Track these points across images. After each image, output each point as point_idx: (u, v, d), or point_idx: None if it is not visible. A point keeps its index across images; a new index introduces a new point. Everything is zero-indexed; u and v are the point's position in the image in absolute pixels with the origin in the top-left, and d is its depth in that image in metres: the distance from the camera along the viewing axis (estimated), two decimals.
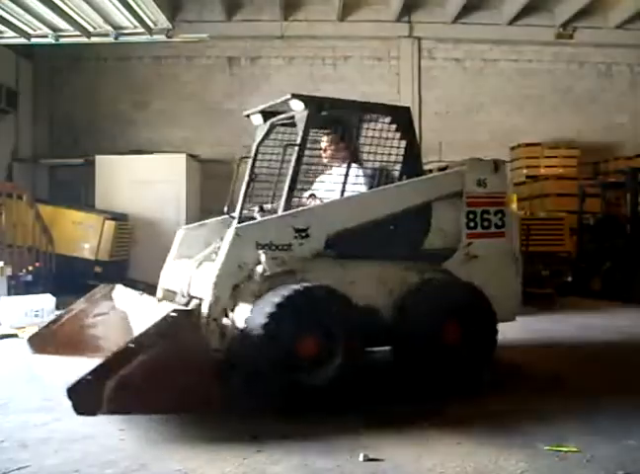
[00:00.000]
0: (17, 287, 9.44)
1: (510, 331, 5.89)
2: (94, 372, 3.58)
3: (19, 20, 11.74)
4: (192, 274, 5.22)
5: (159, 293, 5.75)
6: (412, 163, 5.55)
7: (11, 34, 12.17)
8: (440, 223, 5.45)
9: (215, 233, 5.64)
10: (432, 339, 4.86)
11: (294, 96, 5.11)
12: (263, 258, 4.67)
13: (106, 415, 3.81)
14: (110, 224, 11.94)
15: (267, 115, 5.78)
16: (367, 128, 5.55)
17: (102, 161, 13.31)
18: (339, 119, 5.65)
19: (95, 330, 5.08)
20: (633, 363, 6.21)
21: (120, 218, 12.30)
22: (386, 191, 5.34)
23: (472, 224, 5.54)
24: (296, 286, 4.52)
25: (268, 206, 5.54)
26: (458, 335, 4.99)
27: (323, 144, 5.79)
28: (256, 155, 5.85)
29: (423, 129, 14.45)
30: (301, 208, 5.06)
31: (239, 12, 14.57)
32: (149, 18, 12.57)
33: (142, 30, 12.65)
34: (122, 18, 12.15)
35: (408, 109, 5.66)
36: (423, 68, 14.98)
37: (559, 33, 14.66)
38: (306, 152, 5.25)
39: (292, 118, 5.36)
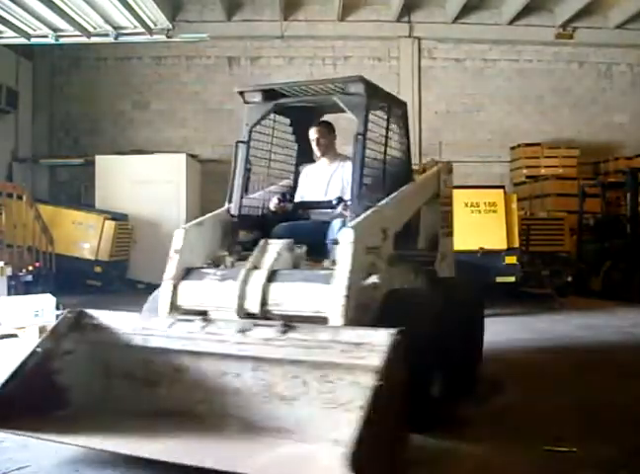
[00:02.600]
0: (17, 287, 9.43)
1: (510, 331, 5.90)
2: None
3: (19, 20, 11.74)
4: (263, 287, 4.04)
5: (163, 311, 4.27)
6: (407, 159, 5.40)
7: (11, 34, 12.17)
8: (425, 224, 5.57)
9: (212, 233, 4.82)
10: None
11: (361, 79, 4.53)
12: (376, 262, 4.09)
13: None
14: (110, 224, 11.94)
15: (268, 94, 4.97)
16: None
17: (102, 161, 13.31)
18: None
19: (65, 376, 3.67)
20: (633, 363, 6.21)
21: (120, 218, 12.30)
22: (416, 188, 5.33)
23: (443, 224, 5.71)
24: (427, 300, 4.26)
25: (348, 201, 4.68)
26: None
27: (314, 136, 5.18)
28: (249, 140, 5.03)
29: (423, 129, 14.50)
30: (381, 207, 4.43)
31: (239, 12, 14.58)
32: (149, 18, 12.57)
33: (142, 30, 12.65)
34: (122, 18, 12.15)
35: (405, 103, 5.57)
36: (423, 68, 14.98)
37: (559, 33, 14.66)
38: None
39: (316, 102, 4.99)
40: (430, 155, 13.27)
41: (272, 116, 5.13)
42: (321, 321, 3.75)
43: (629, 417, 4.39)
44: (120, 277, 12.42)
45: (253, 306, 4.00)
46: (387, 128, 4.83)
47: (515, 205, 9.92)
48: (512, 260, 9.51)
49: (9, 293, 8.93)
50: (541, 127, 14.79)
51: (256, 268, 4.18)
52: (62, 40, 12.70)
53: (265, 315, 3.97)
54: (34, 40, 12.66)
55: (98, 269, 11.73)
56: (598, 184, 12.92)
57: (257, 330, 3.46)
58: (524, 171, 14.29)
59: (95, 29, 12.58)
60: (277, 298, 3.98)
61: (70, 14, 11.61)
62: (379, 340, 2.95)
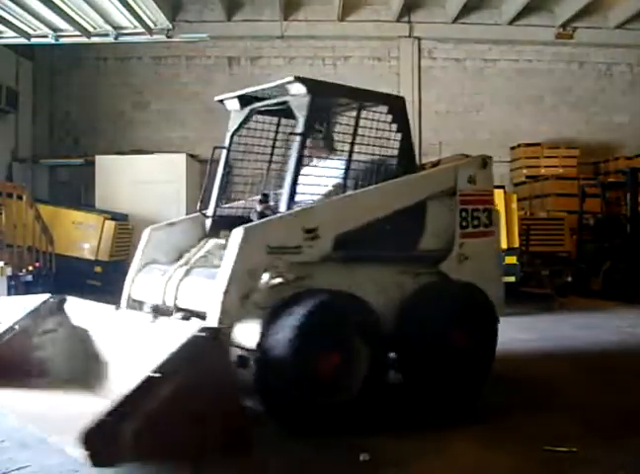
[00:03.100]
0: (17, 287, 9.42)
1: (510, 331, 5.89)
2: (111, 413, 2.81)
3: (19, 20, 11.74)
4: (178, 282, 4.49)
5: (124, 304, 4.97)
6: (408, 156, 5.19)
7: (11, 34, 12.16)
8: (434, 223, 5.12)
9: (186, 234, 5.11)
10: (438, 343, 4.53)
11: (297, 79, 4.55)
12: (277, 263, 4.14)
13: (128, 463, 3.15)
14: (110, 224, 11.93)
15: (245, 100, 5.14)
16: (365, 118, 5.03)
17: (102, 161, 13.31)
18: (337, 107, 5.17)
19: (42, 351, 4.38)
20: (632, 363, 6.21)
21: (120, 218, 12.29)
22: (390, 187, 4.91)
23: (464, 223, 5.26)
24: (323, 297, 4.12)
25: (271, 202, 4.96)
26: (465, 338, 4.69)
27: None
28: (230, 145, 5.25)
29: (423, 129, 14.48)
30: (309, 206, 4.52)
31: (239, 12, 14.57)
32: (149, 18, 12.56)
33: (142, 30, 12.64)
34: (122, 18, 12.15)
35: (403, 99, 5.34)
36: (423, 68, 14.98)
37: (559, 33, 14.66)
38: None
39: (282, 103, 4.83)
40: (430, 155, 13.27)
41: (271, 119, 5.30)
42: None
43: (629, 417, 4.39)
44: (121, 278, 12.40)
45: (169, 300, 4.50)
46: (356, 125, 4.95)
47: (515, 205, 9.92)
48: (512, 260, 9.51)
49: (9, 293, 8.91)
50: (541, 127, 14.79)
51: (186, 264, 4.66)
52: (62, 40, 12.69)
53: (177, 309, 4.45)
54: (34, 40, 12.65)
55: (98, 269, 11.73)
56: (598, 184, 12.91)
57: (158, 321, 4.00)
58: (524, 171, 14.30)
59: (95, 29, 12.58)
60: (182, 294, 4.44)
61: (70, 14, 11.60)
62: (179, 336, 3.17)
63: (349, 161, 4.88)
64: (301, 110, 4.60)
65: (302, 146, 4.59)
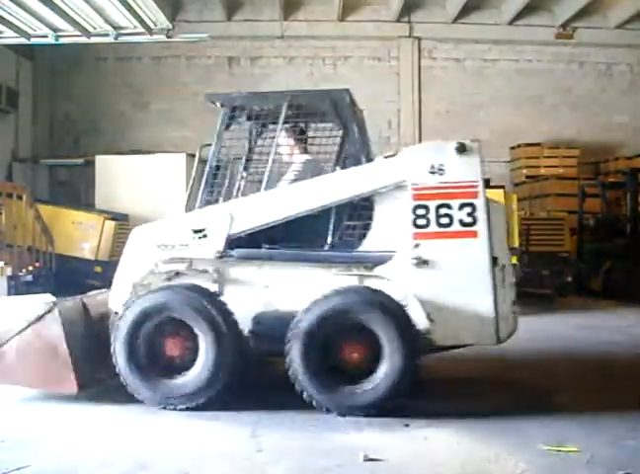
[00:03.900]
0: (17, 287, 9.43)
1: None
2: None
3: (19, 20, 11.72)
4: None
5: None
6: (355, 152, 4.90)
7: (11, 34, 12.14)
8: (383, 221, 4.71)
9: None
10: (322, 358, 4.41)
11: (209, 96, 5.19)
12: (156, 257, 4.85)
13: None
14: (110, 224, 11.93)
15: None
16: (299, 121, 5.12)
17: (102, 161, 13.30)
18: (264, 114, 5.19)
19: None
20: (632, 363, 6.21)
21: (119, 218, 12.29)
22: (303, 186, 4.84)
23: (422, 221, 4.61)
24: (168, 288, 4.69)
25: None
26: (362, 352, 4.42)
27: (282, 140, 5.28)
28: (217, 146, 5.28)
29: (423, 129, 14.50)
30: (200, 209, 4.96)
31: (239, 12, 14.57)
32: (149, 18, 12.54)
33: (142, 30, 12.61)
34: (122, 18, 12.12)
35: (346, 91, 4.99)
36: (423, 68, 14.98)
37: (559, 33, 14.66)
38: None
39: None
40: None
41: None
42: None
43: (629, 417, 4.39)
44: None
45: None
46: (258, 132, 5.28)
47: (515, 205, 9.92)
48: (512, 260, 9.50)
49: (9, 293, 8.92)
50: (541, 127, 14.78)
51: None
52: (62, 40, 12.66)
53: None
54: (34, 40, 12.62)
55: (98, 269, 11.71)
56: (598, 184, 12.91)
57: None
58: (524, 171, 14.30)
59: (95, 29, 12.55)
60: None
61: (70, 14, 11.58)
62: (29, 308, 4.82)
63: (284, 163, 5.09)
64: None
65: (218, 151, 5.07)
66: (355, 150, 4.92)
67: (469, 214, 4.57)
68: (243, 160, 5.42)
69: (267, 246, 4.78)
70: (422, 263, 4.56)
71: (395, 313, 4.39)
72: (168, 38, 13.34)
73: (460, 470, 3.48)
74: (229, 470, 3.49)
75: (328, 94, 5.08)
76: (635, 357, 6.53)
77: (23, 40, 12.48)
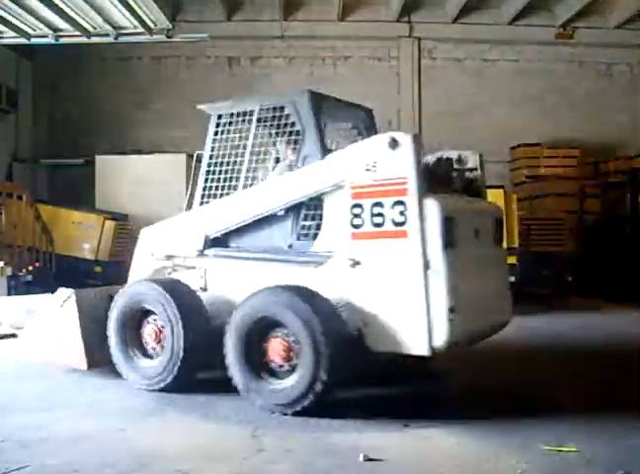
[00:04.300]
0: (17, 287, 9.43)
1: (509, 330, 5.88)
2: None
3: (19, 20, 11.72)
4: None
5: None
6: (313, 152, 4.87)
7: (11, 34, 12.15)
8: (331, 221, 4.70)
9: None
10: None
11: (200, 107, 5.69)
12: (157, 254, 5.60)
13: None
14: (110, 224, 11.94)
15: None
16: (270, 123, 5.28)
17: (102, 161, 13.31)
18: (242, 120, 5.45)
19: None
20: (633, 365, 6.21)
21: (120, 218, 12.30)
22: (257, 189, 5.06)
23: (358, 221, 4.48)
24: (149, 281, 5.31)
25: None
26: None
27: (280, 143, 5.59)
28: (212, 149, 5.67)
29: (423, 129, 14.47)
30: (186, 212, 5.55)
31: (239, 12, 14.56)
32: (149, 18, 12.54)
33: (142, 30, 12.62)
34: (122, 18, 12.12)
35: (306, 93, 5.07)
36: (423, 68, 14.97)
37: (559, 33, 14.65)
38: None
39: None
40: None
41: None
42: None
43: (629, 417, 4.39)
44: (121, 278, 12.40)
45: None
46: (242, 137, 5.41)
47: (515, 205, 9.92)
48: (512, 260, 9.50)
49: (9, 293, 8.93)
50: (541, 127, 14.76)
51: None
52: (62, 40, 12.67)
53: None
54: (34, 40, 12.63)
55: (98, 268, 11.73)
56: (597, 184, 12.91)
57: None
58: (524, 171, 14.28)
59: (95, 29, 12.55)
60: None
61: (70, 14, 11.58)
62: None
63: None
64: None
65: (209, 156, 5.54)
66: (312, 151, 4.88)
67: (401, 213, 4.34)
68: (229, 163, 5.53)
69: (235, 246, 5.22)
70: (356, 264, 4.49)
71: (315, 315, 4.32)
72: (168, 38, 13.35)
73: (460, 470, 3.48)
74: (229, 470, 3.49)
75: (288, 97, 5.16)
76: (635, 358, 6.53)
77: (23, 40, 12.49)
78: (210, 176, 5.45)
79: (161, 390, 4.96)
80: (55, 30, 12.33)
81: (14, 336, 7.59)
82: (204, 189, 5.45)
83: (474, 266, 4.71)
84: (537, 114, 14.95)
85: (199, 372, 5.16)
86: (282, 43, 14.74)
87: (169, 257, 5.52)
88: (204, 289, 5.24)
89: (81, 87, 14.70)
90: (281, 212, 4.92)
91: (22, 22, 11.83)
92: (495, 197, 9.74)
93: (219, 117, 5.53)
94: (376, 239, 4.43)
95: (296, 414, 4.32)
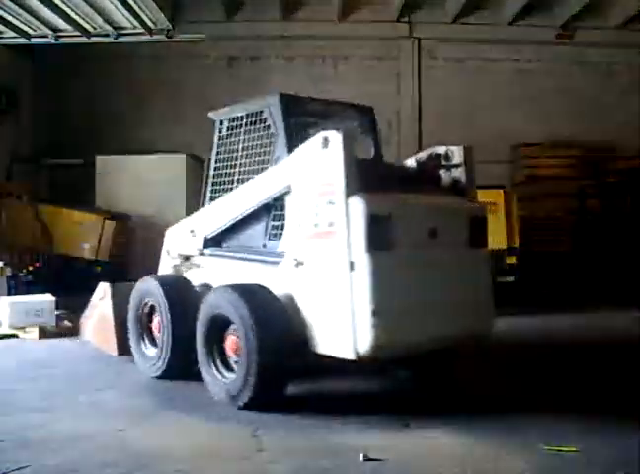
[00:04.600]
0: (17, 287, 9.44)
1: (509, 330, 5.89)
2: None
3: (19, 20, 11.74)
4: None
5: None
6: (282, 154, 4.98)
7: (11, 34, 12.17)
8: (288, 222, 4.80)
9: None
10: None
11: (210, 113, 5.91)
12: (173, 251, 6.01)
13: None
14: (110, 224, 11.94)
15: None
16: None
17: (102, 161, 13.31)
18: (238, 124, 5.59)
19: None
20: (632, 365, 6.21)
21: (120, 218, 12.30)
22: (236, 192, 5.30)
23: (303, 221, 4.56)
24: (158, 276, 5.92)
25: None
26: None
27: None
28: (217, 152, 5.86)
29: (423, 129, 14.49)
30: (196, 213, 5.85)
31: (239, 12, 14.55)
32: (149, 18, 12.56)
33: (142, 30, 12.64)
34: (122, 18, 12.15)
35: (276, 95, 5.13)
36: (423, 68, 14.97)
37: (559, 33, 14.65)
38: None
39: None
40: None
41: None
42: None
43: (629, 417, 4.39)
44: (121, 277, 12.41)
45: None
46: (217, 141, 5.73)
47: (515, 205, 9.92)
48: (512, 260, 9.52)
49: (9, 293, 8.93)
50: (541, 127, 14.76)
51: None
52: (62, 40, 12.70)
53: None
54: (34, 40, 12.65)
55: (98, 268, 11.74)
56: (598, 184, 12.91)
57: None
58: (524, 171, 14.28)
59: (95, 29, 12.58)
60: None
61: (70, 14, 11.60)
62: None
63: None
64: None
65: (215, 160, 5.72)
66: (282, 153, 4.95)
67: (332, 213, 4.34)
68: (229, 166, 5.69)
69: (226, 245, 5.47)
70: (299, 264, 4.57)
71: (250, 313, 4.45)
72: (168, 38, 13.37)
73: (460, 470, 3.48)
74: (229, 470, 3.49)
75: (265, 101, 5.25)
76: (634, 357, 6.54)
77: (23, 41, 12.51)
78: (215, 179, 5.72)
79: (158, 378, 5.46)
80: (55, 30, 12.36)
81: (14, 336, 7.59)
82: (211, 191, 5.73)
83: (421, 269, 4.46)
84: (537, 114, 14.95)
85: (188, 362, 5.22)
86: (282, 43, 14.74)
87: (180, 255, 5.91)
88: (208, 286, 5.40)
89: (81, 87, 14.69)
90: (258, 213, 5.10)
91: (22, 22, 11.85)
92: (495, 196, 9.79)
93: (221, 123, 5.75)
94: (314, 239, 4.47)
95: (244, 408, 4.47)
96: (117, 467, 3.48)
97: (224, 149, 5.66)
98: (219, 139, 5.72)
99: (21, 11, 11.29)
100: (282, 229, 4.87)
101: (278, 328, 4.45)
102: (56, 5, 11.15)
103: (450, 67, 15.07)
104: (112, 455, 3.65)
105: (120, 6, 11.46)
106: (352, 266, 4.17)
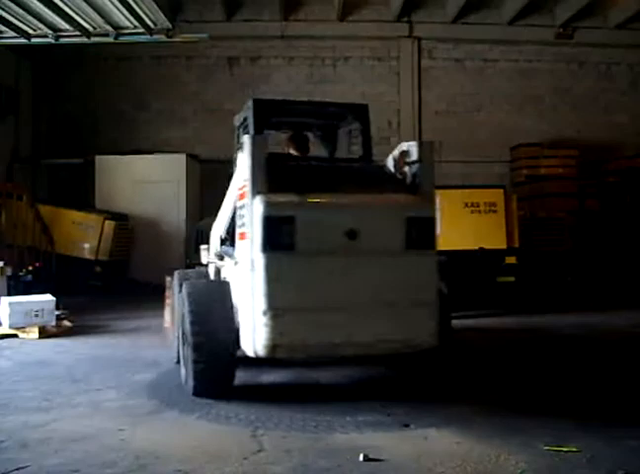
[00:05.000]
0: (17, 287, 9.43)
1: (509, 330, 5.89)
2: None
3: (19, 20, 11.73)
4: None
5: None
6: None
7: (11, 34, 12.15)
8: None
9: None
10: None
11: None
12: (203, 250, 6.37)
13: None
14: (110, 224, 11.94)
15: None
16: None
17: (102, 161, 13.32)
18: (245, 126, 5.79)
19: None
20: (632, 365, 6.21)
21: (120, 218, 12.30)
22: (229, 192, 5.39)
23: (239, 222, 4.69)
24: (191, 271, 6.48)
25: None
26: None
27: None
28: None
29: (423, 129, 14.49)
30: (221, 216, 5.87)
31: (239, 12, 14.56)
32: (149, 18, 12.55)
33: (142, 30, 12.62)
34: (122, 18, 12.13)
35: (250, 100, 5.30)
36: (423, 68, 14.98)
37: (559, 33, 14.66)
38: None
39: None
40: None
41: None
42: None
43: (629, 417, 4.39)
44: (121, 277, 12.43)
45: None
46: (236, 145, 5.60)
47: (515, 205, 9.92)
48: (512, 260, 9.51)
49: (9, 293, 8.92)
50: (541, 127, 14.77)
51: None
52: (62, 40, 12.67)
53: None
54: (34, 40, 12.63)
55: (98, 269, 11.74)
56: (598, 184, 12.91)
57: None
58: (524, 171, 14.28)
59: (95, 29, 12.56)
60: None
61: (70, 14, 11.59)
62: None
63: None
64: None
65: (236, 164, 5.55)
66: None
67: (245, 214, 4.45)
68: None
69: (230, 244, 5.46)
70: (236, 263, 4.81)
71: (190, 307, 4.76)
72: (168, 38, 13.35)
73: (460, 470, 3.48)
74: (229, 470, 3.49)
75: (247, 106, 5.36)
76: (635, 358, 6.54)
77: (23, 41, 12.49)
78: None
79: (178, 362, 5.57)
80: (55, 30, 12.34)
81: (14, 336, 7.59)
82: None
83: (332, 271, 4.32)
84: (537, 114, 14.96)
85: None
86: (282, 43, 14.75)
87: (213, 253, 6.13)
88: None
89: (81, 87, 14.70)
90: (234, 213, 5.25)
91: (22, 22, 11.84)
92: (495, 196, 9.79)
93: (237, 128, 5.84)
94: (239, 239, 4.70)
95: (195, 395, 4.74)
96: (117, 467, 3.47)
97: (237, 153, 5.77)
98: (237, 142, 5.65)
99: (21, 11, 11.27)
100: None
101: (212, 325, 4.68)
102: (56, 5, 11.14)
103: (450, 67, 15.08)
104: (112, 455, 3.65)
105: (120, 6, 11.45)
106: (252, 265, 4.28)
